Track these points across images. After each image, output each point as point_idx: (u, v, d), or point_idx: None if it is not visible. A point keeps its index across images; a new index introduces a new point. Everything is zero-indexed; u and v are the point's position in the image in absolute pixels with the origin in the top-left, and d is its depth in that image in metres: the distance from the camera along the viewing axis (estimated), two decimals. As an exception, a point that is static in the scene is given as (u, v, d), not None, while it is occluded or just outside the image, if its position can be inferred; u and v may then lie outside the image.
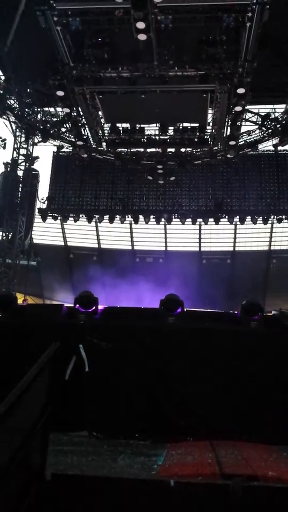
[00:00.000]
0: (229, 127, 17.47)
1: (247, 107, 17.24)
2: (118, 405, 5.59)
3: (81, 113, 16.93)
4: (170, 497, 3.06)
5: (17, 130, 20.45)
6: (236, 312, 6.81)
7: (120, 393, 5.64)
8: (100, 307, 6.88)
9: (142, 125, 17.61)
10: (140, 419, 5.51)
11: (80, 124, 17.73)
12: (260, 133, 19.08)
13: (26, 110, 18.82)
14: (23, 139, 20.74)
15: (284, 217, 20.24)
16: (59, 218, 21.64)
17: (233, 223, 21.23)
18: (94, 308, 6.66)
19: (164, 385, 5.76)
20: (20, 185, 20.14)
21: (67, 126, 18.64)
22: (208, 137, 17.96)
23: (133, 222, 22.04)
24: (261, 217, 20.47)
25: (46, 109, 19.37)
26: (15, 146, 20.61)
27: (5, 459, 2.58)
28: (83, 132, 18.23)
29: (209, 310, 10.22)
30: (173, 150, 19.17)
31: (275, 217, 20.41)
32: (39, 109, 19.27)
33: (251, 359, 5.89)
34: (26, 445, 2.96)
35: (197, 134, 17.59)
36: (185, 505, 2.98)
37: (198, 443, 4.85)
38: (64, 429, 4.97)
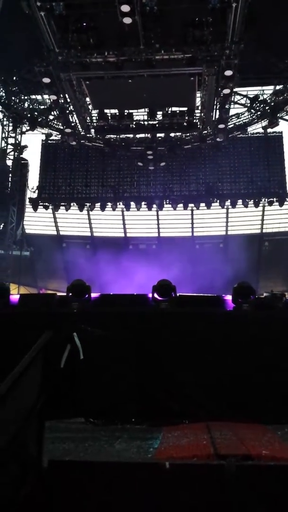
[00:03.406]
0: (217, 110, 17.37)
1: (235, 89, 17.13)
2: (113, 391, 5.64)
3: (68, 100, 16.73)
4: (166, 478, 3.11)
5: (4, 119, 20.24)
6: (229, 295, 6.86)
7: (115, 379, 5.68)
8: (93, 295, 6.92)
9: (130, 111, 17.45)
10: (136, 404, 5.56)
11: (67, 111, 17.54)
12: (249, 116, 19.00)
13: (13, 98, 18.58)
14: (10, 128, 20.50)
15: (275, 199, 20.23)
16: (50, 207, 21.51)
17: (225, 207, 21.24)
18: (87, 296, 6.70)
19: (159, 370, 5.80)
20: (10, 175, 19.99)
21: (55, 113, 18.42)
22: (197, 121, 17.83)
23: (124, 209, 21.97)
24: (252, 200, 20.47)
25: (33, 97, 19.13)
26: (3, 135, 20.43)
27: (0, 448, 2.60)
28: (71, 119, 18.04)
29: (202, 294, 10.27)
30: (162, 135, 19.06)
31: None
32: (26, 97, 19.02)
33: (244, 342, 5.95)
34: (21, 433, 2.98)
35: (186, 118, 17.48)
36: (180, 486, 3.03)
37: (193, 426, 4.92)
38: (60, 416, 5.01)
